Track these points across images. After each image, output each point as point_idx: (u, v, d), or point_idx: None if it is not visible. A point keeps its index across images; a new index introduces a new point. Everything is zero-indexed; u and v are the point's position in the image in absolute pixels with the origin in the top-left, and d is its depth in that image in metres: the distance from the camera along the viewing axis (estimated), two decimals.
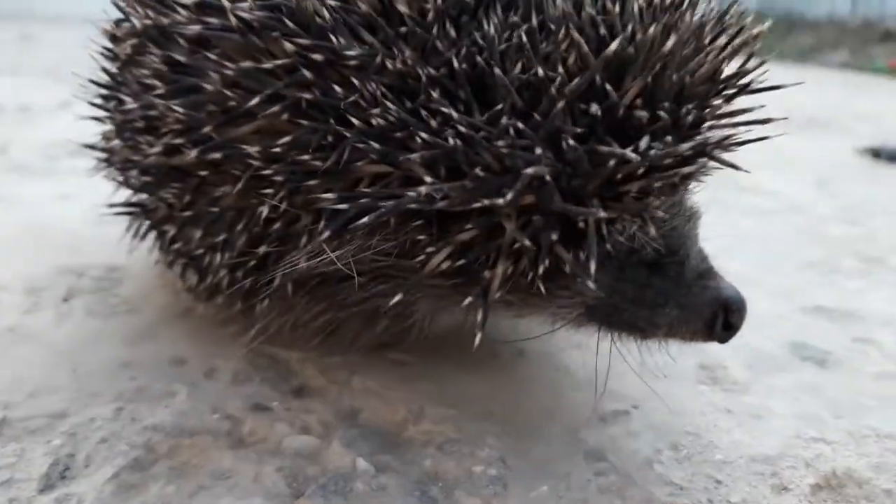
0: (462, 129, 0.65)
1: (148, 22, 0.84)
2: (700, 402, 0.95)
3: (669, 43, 0.68)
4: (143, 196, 0.95)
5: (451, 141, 0.65)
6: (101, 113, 1.01)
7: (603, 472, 0.80)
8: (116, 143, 0.96)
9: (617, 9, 0.69)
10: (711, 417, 0.92)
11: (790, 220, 1.92)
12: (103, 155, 1.04)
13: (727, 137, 0.72)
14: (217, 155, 0.77)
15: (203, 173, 0.80)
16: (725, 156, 0.72)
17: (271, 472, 0.77)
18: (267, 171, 0.74)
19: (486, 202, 0.64)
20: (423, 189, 0.66)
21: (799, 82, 0.79)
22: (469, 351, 0.96)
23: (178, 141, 0.79)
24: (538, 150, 0.64)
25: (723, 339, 0.78)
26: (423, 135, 0.66)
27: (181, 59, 0.79)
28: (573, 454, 0.82)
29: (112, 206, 1.04)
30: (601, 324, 0.80)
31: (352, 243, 0.72)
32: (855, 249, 1.67)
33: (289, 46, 0.71)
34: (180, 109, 0.78)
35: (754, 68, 0.75)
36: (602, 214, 0.65)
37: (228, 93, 0.75)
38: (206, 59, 0.77)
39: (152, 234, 1.01)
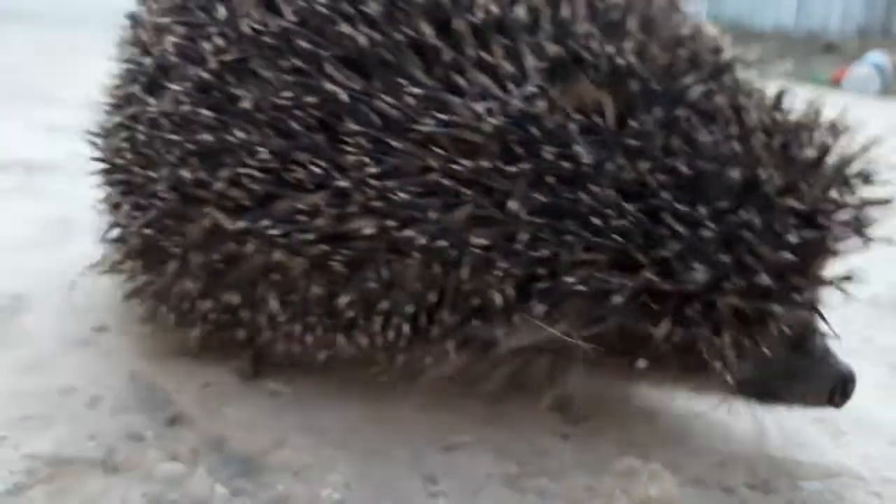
0: (707, 231, 0.78)
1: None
2: (546, 428, 1.06)
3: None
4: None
5: (704, 235, 0.78)
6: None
7: (435, 494, 0.90)
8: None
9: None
10: (550, 442, 1.03)
11: None
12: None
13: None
14: (443, 243, 0.81)
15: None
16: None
17: (137, 497, 0.85)
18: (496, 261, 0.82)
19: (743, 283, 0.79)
20: (700, 278, 0.79)
21: None
22: (342, 381, 1.07)
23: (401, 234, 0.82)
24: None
25: (838, 406, 0.93)
26: (673, 233, 0.79)
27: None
28: (413, 478, 0.92)
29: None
30: (740, 392, 0.93)
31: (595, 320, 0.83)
32: None
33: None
34: (391, 195, 0.81)
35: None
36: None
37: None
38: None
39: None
